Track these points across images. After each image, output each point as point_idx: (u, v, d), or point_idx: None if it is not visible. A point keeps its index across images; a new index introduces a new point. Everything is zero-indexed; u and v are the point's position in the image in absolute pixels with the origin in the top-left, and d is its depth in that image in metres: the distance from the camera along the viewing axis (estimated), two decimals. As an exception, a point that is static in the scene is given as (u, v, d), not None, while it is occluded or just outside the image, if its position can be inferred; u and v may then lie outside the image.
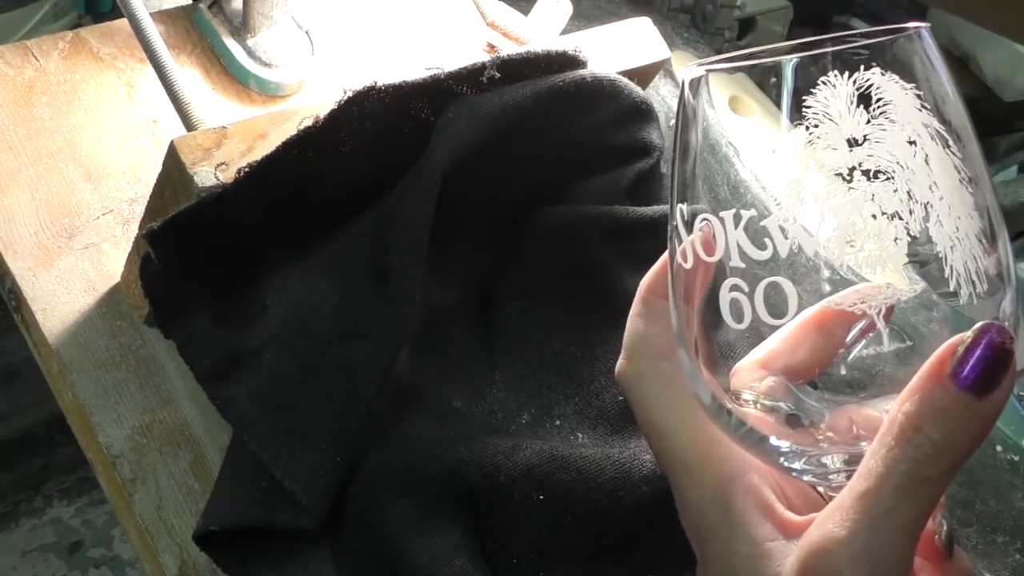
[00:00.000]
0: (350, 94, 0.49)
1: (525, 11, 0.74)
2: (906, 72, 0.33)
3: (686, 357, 0.36)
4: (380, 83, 0.50)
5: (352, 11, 0.74)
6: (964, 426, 0.30)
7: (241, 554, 0.50)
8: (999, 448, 0.65)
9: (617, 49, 0.60)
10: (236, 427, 0.50)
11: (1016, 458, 0.64)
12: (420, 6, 0.75)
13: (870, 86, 0.33)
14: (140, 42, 0.58)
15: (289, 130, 0.49)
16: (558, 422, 0.53)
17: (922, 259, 0.33)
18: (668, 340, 0.37)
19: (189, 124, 0.57)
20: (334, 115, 0.49)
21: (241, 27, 0.67)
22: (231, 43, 0.67)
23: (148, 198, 0.53)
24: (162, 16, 0.67)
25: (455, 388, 0.54)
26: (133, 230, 0.58)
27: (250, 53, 0.67)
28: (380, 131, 0.50)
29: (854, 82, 0.33)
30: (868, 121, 0.33)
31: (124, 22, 0.60)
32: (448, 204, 0.51)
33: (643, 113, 0.59)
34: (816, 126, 0.33)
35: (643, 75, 0.63)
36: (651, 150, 0.60)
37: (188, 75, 0.66)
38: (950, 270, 0.33)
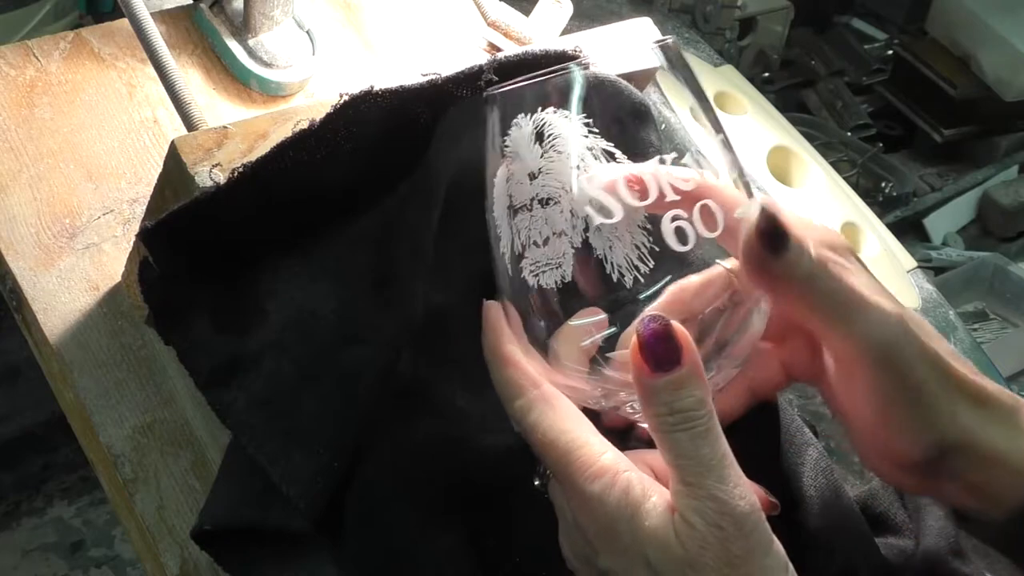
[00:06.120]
0: (346, 98, 0.49)
1: (526, 11, 0.74)
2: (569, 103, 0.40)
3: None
4: (377, 87, 0.50)
5: (353, 11, 0.74)
6: (680, 392, 0.38)
7: (242, 554, 0.50)
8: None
9: (617, 49, 0.60)
10: (235, 431, 0.50)
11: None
12: (421, 6, 0.75)
13: (544, 124, 0.40)
14: (141, 42, 0.58)
15: (290, 130, 0.49)
16: None
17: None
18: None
19: (190, 124, 0.57)
20: (329, 119, 0.49)
21: (242, 27, 0.67)
22: (232, 43, 0.67)
23: (149, 198, 0.54)
24: (163, 16, 0.67)
25: (458, 388, 0.54)
26: (134, 230, 0.58)
27: (251, 53, 0.67)
28: (378, 135, 0.50)
29: (533, 121, 0.41)
30: (542, 155, 0.40)
31: (125, 22, 0.60)
32: (449, 205, 0.51)
33: (642, 114, 0.59)
34: (512, 162, 0.41)
35: (643, 76, 0.62)
36: (650, 150, 0.60)
37: (189, 75, 0.66)
38: (611, 266, 0.40)
